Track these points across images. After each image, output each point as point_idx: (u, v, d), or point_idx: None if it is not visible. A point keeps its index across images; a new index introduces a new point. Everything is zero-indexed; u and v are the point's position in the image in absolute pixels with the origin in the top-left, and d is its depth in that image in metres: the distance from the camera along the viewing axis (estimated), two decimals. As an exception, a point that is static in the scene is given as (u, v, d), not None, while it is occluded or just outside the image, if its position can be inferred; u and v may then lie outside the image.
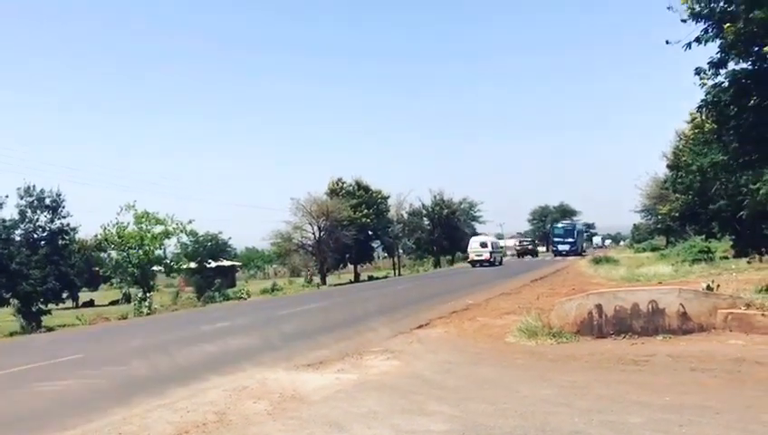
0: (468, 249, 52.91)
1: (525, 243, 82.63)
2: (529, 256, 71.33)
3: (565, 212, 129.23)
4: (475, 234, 61.51)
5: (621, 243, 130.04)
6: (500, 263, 52.39)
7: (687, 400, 6.65)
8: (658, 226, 65.81)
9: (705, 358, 8.66)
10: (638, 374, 8.13)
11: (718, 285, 12.06)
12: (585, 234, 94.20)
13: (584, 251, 73.85)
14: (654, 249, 58.07)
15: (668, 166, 45.33)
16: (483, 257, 50.31)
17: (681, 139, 40.82)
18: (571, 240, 69.40)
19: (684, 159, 39.49)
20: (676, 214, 45.56)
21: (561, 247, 68.46)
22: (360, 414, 6.78)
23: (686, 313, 10.44)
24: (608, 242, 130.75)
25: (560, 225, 76.35)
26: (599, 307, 10.94)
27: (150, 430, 6.69)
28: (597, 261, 38.66)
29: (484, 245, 51.91)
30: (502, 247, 61.88)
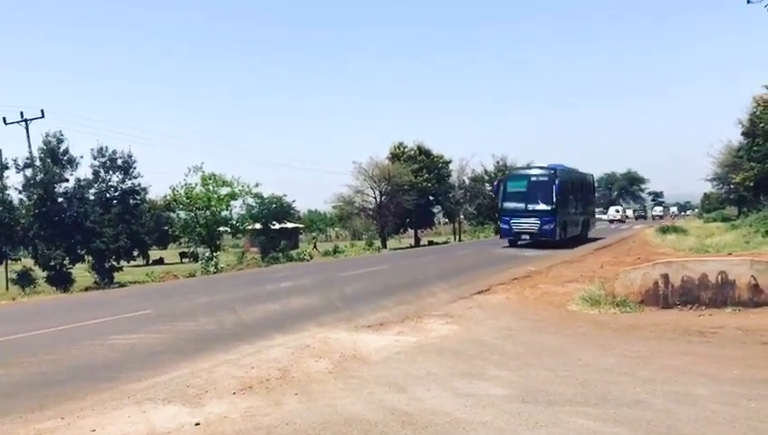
0: (608, 213, 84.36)
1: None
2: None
3: (633, 180, 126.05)
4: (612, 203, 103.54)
5: (689, 212, 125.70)
6: (623, 221, 78.81)
7: (757, 374, 6.45)
8: (731, 195, 63.50)
9: (778, 332, 8.38)
10: (705, 346, 7.93)
11: (794, 258, 11.59)
12: (584, 192, 36.72)
13: (588, 229, 36.81)
14: (725, 219, 55.98)
15: (744, 133, 43.59)
16: (617, 218, 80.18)
17: (759, 105, 39.03)
18: (543, 208, 29.31)
19: (761, 125, 37.82)
20: (751, 183, 43.87)
21: (517, 225, 30.17)
22: (419, 376, 6.85)
23: (758, 285, 10.09)
24: (673, 210, 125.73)
25: (520, 172, 34.11)
26: (665, 277, 10.68)
27: (217, 384, 6.92)
28: (664, 230, 37.56)
29: (617, 211, 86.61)
30: (626, 213, 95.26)
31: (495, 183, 34.24)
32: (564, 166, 32.34)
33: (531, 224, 29.45)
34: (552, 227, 28.98)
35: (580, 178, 35.95)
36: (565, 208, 30.68)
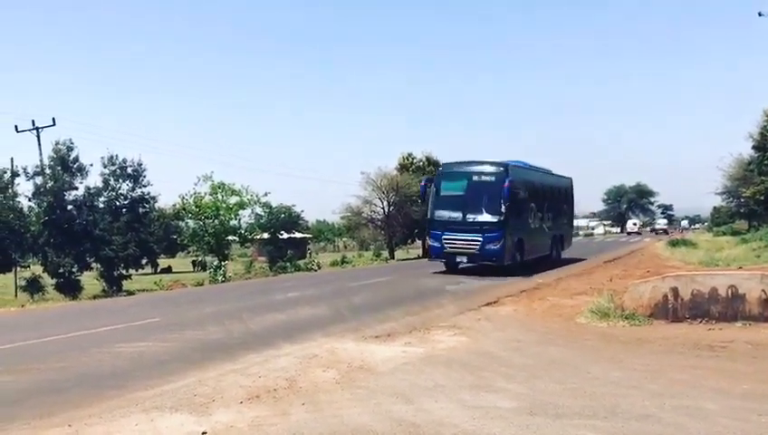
0: (627, 226, 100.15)
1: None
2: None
3: (642, 192, 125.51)
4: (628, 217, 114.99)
5: (698, 226, 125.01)
6: (640, 233, 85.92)
7: (768, 389, 6.41)
8: (740, 209, 63.19)
9: (788, 347, 8.31)
10: (715, 360, 7.88)
11: (805, 272, 11.49)
12: (555, 200, 27.28)
13: (561, 248, 28.24)
14: (734, 233, 55.67)
15: (754, 147, 43.45)
16: (634, 230, 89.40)
17: (770, 118, 38.95)
18: (488, 219, 20.88)
19: (772, 139, 37.67)
20: (761, 197, 43.70)
21: (451, 242, 21.62)
22: (426, 387, 6.83)
23: (769, 299, 10.02)
24: (684, 223, 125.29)
25: (456, 170, 22.64)
26: (674, 290, 10.63)
27: (224, 392, 6.91)
28: (674, 244, 37.39)
29: (635, 224, 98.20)
30: (642, 226, 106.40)
31: (422, 183, 24.04)
32: (524, 162, 24.86)
33: (470, 241, 21.15)
34: (499, 245, 20.75)
35: (549, 181, 27.35)
36: (522, 220, 22.62)
